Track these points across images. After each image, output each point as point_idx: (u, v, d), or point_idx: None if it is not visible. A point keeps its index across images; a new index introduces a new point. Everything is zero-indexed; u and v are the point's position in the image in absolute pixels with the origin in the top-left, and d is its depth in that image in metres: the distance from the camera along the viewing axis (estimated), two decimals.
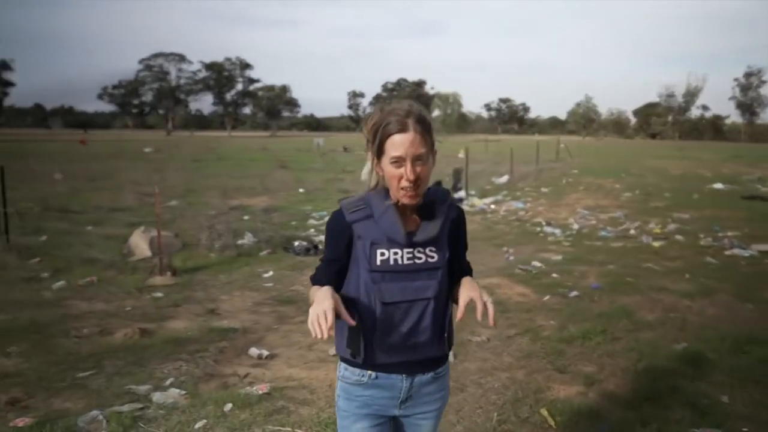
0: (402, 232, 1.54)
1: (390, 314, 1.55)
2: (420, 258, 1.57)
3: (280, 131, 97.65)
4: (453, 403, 3.35)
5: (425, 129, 1.52)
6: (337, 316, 1.40)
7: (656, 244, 8.34)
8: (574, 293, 5.73)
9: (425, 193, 1.58)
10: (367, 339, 1.56)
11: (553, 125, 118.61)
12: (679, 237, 8.82)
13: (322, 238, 8.46)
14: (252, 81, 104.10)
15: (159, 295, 5.61)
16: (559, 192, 15.07)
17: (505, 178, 17.40)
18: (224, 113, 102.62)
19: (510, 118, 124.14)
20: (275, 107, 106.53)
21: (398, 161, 1.49)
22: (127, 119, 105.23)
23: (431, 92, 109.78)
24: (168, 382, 3.70)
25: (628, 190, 15.20)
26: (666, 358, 4.11)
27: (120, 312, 5.12)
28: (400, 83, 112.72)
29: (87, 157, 26.35)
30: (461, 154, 13.99)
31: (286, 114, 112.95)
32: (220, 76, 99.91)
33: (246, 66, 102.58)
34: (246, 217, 10.10)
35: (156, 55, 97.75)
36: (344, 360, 1.65)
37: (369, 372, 1.60)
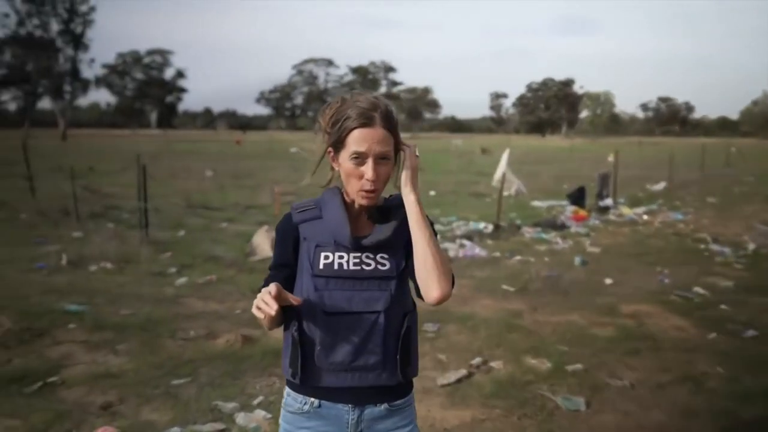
0: (348, 233, 1.40)
1: (334, 326, 1.40)
2: (368, 264, 1.42)
3: (421, 133, 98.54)
4: None
5: (391, 126, 1.40)
6: (284, 309, 1.34)
7: None
8: (751, 332, 4.60)
9: (386, 198, 1.49)
10: (308, 354, 1.41)
11: (722, 126, 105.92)
12: None
13: (447, 245, 8.03)
14: (395, 83, 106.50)
15: None
16: (730, 203, 13.00)
17: (661, 185, 15.51)
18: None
19: (670, 118, 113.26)
20: (416, 109, 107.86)
21: (360, 158, 1.37)
22: (281, 121, 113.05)
23: (580, 91, 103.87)
24: (257, 401, 3.42)
25: None
26: None
27: (230, 315, 5.02)
28: (546, 83, 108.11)
29: (239, 157, 28.32)
30: (611, 158, 12.59)
31: (427, 116, 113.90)
32: (365, 79, 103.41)
33: (389, 69, 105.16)
34: None
35: (307, 61, 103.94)
36: (288, 383, 1.50)
37: (311, 399, 1.45)
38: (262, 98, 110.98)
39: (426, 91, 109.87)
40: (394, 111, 1.44)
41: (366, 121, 1.36)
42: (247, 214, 10.17)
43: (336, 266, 1.41)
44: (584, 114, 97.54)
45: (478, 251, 7.55)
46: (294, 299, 1.32)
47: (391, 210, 1.46)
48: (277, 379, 3.73)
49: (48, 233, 8.27)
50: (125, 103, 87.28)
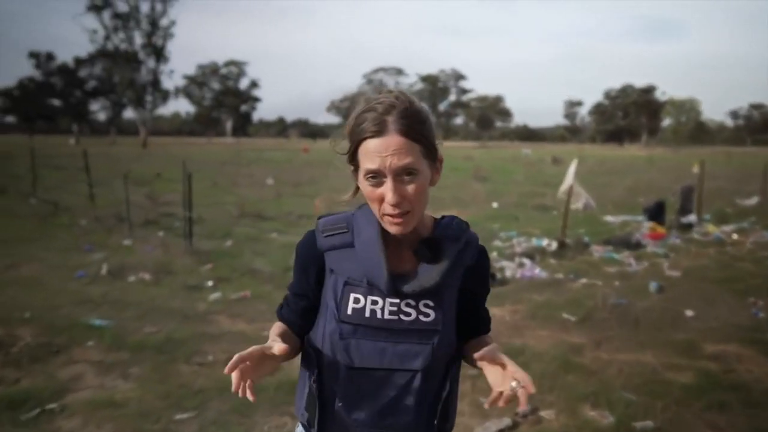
0: (385, 274, 1.14)
1: (358, 383, 1.17)
2: (408, 314, 1.17)
3: (491, 141, 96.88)
4: None
5: (415, 129, 1.10)
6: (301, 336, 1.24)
7: None
8: None
9: (437, 223, 1.23)
10: (325, 409, 1.20)
11: None
12: None
13: (504, 263, 7.36)
14: (465, 91, 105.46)
15: None
16: None
17: (754, 200, 14.01)
18: (437, 123, 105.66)
19: (763, 126, 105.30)
20: (487, 117, 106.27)
21: (375, 176, 1.10)
22: None
23: (662, 98, 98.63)
24: None
25: None
26: None
27: (256, 337, 4.64)
28: (625, 89, 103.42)
29: (303, 165, 28.52)
30: (695, 169, 11.40)
31: (498, 124, 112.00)
32: (435, 87, 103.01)
33: (460, 77, 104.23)
34: None
35: (377, 70, 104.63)
36: (302, 424, 1.31)
37: None
38: (333, 107, 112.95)
39: (497, 99, 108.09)
40: (423, 109, 1.15)
41: (376, 130, 1.10)
42: (299, 224, 9.89)
43: (368, 313, 1.17)
44: (666, 122, 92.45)
45: (537, 272, 6.85)
46: (280, 349, 1.07)
47: (442, 243, 1.19)
48: (289, 420, 3.31)
49: (100, 240, 8.31)
50: (203, 113, 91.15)
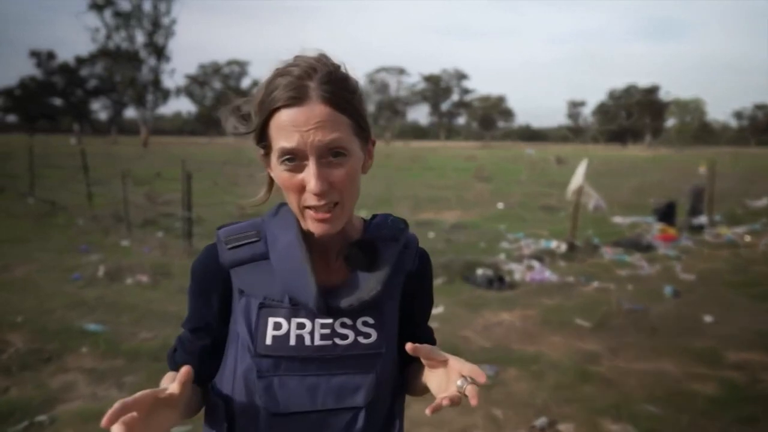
0: (313, 288, 0.88)
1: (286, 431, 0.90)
2: (345, 336, 0.92)
3: (493, 141, 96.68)
4: None
5: (343, 98, 0.85)
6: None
7: None
8: None
9: (368, 223, 0.99)
10: None
11: None
12: None
13: (513, 266, 7.16)
14: (467, 91, 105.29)
15: None
16: None
17: (764, 201, 13.78)
18: (439, 123, 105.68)
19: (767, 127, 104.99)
20: (489, 117, 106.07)
21: (293, 158, 0.84)
22: None
23: (666, 98, 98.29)
24: None
25: None
26: None
27: None
28: (629, 90, 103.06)
29: None
30: (702, 169, 11.18)
31: (501, 124, 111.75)
32: (437, 87, 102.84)
33: (462, 77, 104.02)
34: (431, 234, 9.12)
35: (379, 70, 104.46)
36: None
37: None
38: None
39: (500, 99, 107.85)
40: (352, 78, 0.90)
41: (294, 96, 0.83)
42: None
43: (293, 340, 0.90)
44: (670, 122, 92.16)
45: (548, 275, 6.64)
46: (178, 388, 0.78)
47: (377, 245, 0.95)
48: None
49: (97, 241, 8.12)
50: (204, 112, 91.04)
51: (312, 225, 0.88)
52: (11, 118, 75.81)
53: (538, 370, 4.02)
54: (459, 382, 0.80)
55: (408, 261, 1.00)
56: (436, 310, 5.31)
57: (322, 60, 0.88)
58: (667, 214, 9.74)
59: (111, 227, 9.01)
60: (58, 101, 75.47)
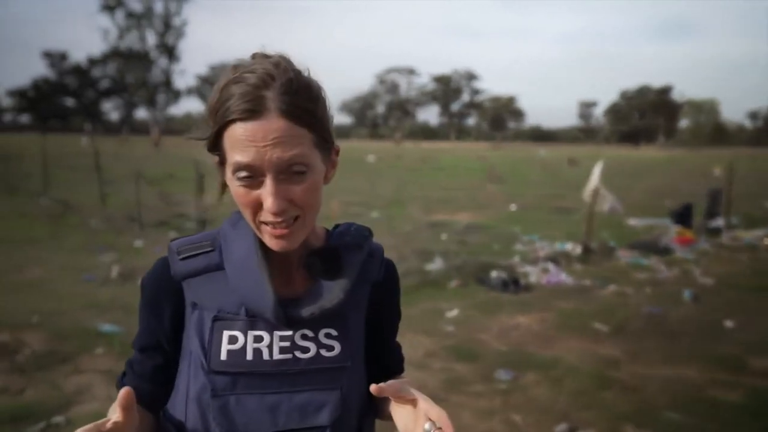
0: (271, 297, 0.83)
1: None
2: (306, 349, 0.86)
3: (504, 142, 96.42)
4: None
5: (304, 109, 0.78)
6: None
7: None
8: None
9: (330, 233, 0.95)
10: None
11: None
12: None
13: (528, 269, 7.09)
14: (477, 92, 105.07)
15: None
16: None
17: None
18: (449, 124, 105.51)
19: None
20: (500, 118, 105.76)
21: (247, 174, 0.78)
22: (362, 130, 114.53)
23: (679, 99, 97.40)
24: None
25: None
26: None
27: None
28: (642, 90, 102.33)
29: None
30: (717, 171, 11.03)
31: (511, 124, 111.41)
32: (448, 87, 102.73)
33: (472, 77, 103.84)
34: (444, 236, 9.06)
35: (389, 70, 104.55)
36: None
37: None
38: (345, 108, 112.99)
39: (510, 99, 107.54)
40: (314, 82, 0.83)
41: (249, 109, 0.77)
42: None
43: (250, 355, 0.84)
44: (684, 123, 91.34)
45: (564, 278, 6.56)
46: (123, 416, 0.72)
47: (340, 254, 0.90)
48: None
49: (110, 241, 8.13)
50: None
51: (269, 240, 0.83)
52: (24, 118, 76.63)
53: (557, 376, 3.96)
54: (426, 426, 0.75)
55: (373, 270, 0.95)
56: (451, 313, 5.26)
57: (282, 65, 0.80)
58: (684, 217, 9.61)
59: (125, 228, 9.04)
60: (70, 101, 76.22)
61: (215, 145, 0.82)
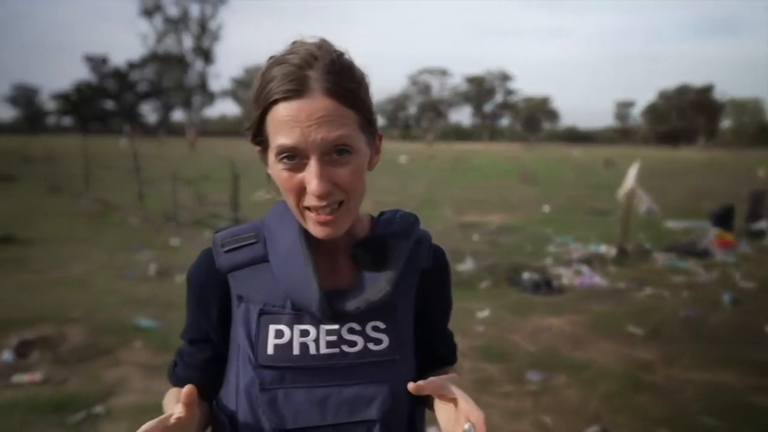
0: (316, 291, 0.81)
1: None
2: (353, 343, 0.84)
3: (538, 143, 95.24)
4: None
5: (349, 90, 0.77)
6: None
7: None
8: None
9: (376, 220, 0.92)
10: None
11: None
12: None
13: (561, 270, 7.00)
14: (511, 92, 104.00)
15: None
16: None
17: None
18: (482, 125, 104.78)
19: None
20: (534, 118, 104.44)
21: (292, 156, 0.76)
22: (394, 132, 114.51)
23: (722, 99, 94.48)
24: None
25: None
26: None
27: None
28: (682, 90, 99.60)
29: None
30: (762, 173, 10.69)
31: (546, 125, 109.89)
32: (481, 88, 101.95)
33: (506, 77, 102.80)
34: (475, 237, 9.02)
35: (422, 71, 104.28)
36: None
37: None
38: (377, 109, 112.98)
39: (544, 100, 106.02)
40: (357, 67, 0.82)
41: (293, 89, 0.75)
42: None
43: (297, 350, 0.84)
44: (726, 124, 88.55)
45: (597, 280, 6.46)
46: (184, 410, 0.72)
47: (387, 242, 0.88)
48: None
49: (148, 240, 8.36)
50: (248, 114, 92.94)
51: (313, 227, 0.82)
52: (66, 120, 79.13)
53: (589, 378, 3.91)
54: (466, 426, 0.75)
55: (422, 258, 0.92)
56: (482, 313, 5.24)
57: (324, 47, 0.79)
58: (724, 219, 9.32)
59: (162, 227, 9.27)
60: (110, 104, 78.42)
61: (258, 131, 0.81)
